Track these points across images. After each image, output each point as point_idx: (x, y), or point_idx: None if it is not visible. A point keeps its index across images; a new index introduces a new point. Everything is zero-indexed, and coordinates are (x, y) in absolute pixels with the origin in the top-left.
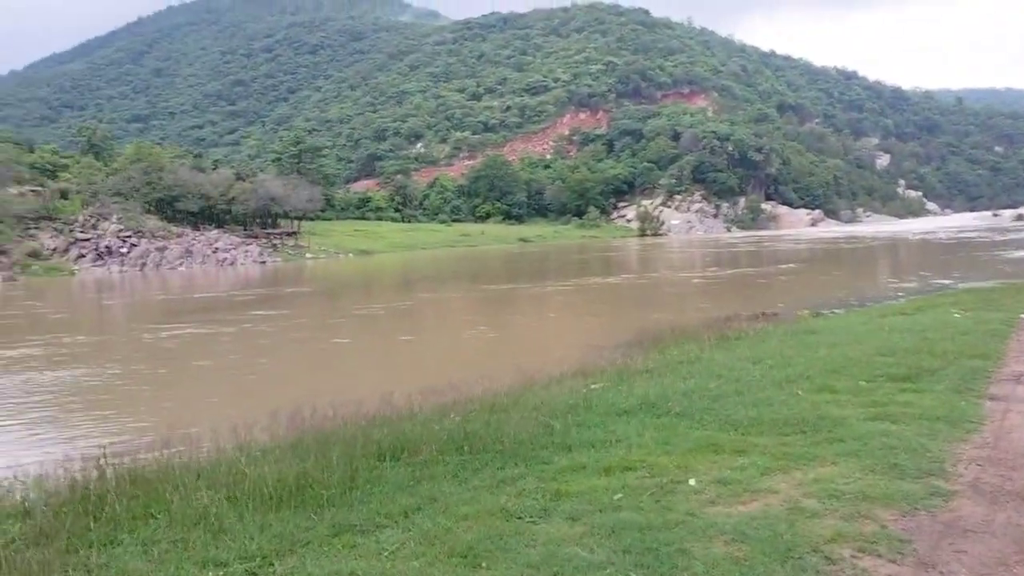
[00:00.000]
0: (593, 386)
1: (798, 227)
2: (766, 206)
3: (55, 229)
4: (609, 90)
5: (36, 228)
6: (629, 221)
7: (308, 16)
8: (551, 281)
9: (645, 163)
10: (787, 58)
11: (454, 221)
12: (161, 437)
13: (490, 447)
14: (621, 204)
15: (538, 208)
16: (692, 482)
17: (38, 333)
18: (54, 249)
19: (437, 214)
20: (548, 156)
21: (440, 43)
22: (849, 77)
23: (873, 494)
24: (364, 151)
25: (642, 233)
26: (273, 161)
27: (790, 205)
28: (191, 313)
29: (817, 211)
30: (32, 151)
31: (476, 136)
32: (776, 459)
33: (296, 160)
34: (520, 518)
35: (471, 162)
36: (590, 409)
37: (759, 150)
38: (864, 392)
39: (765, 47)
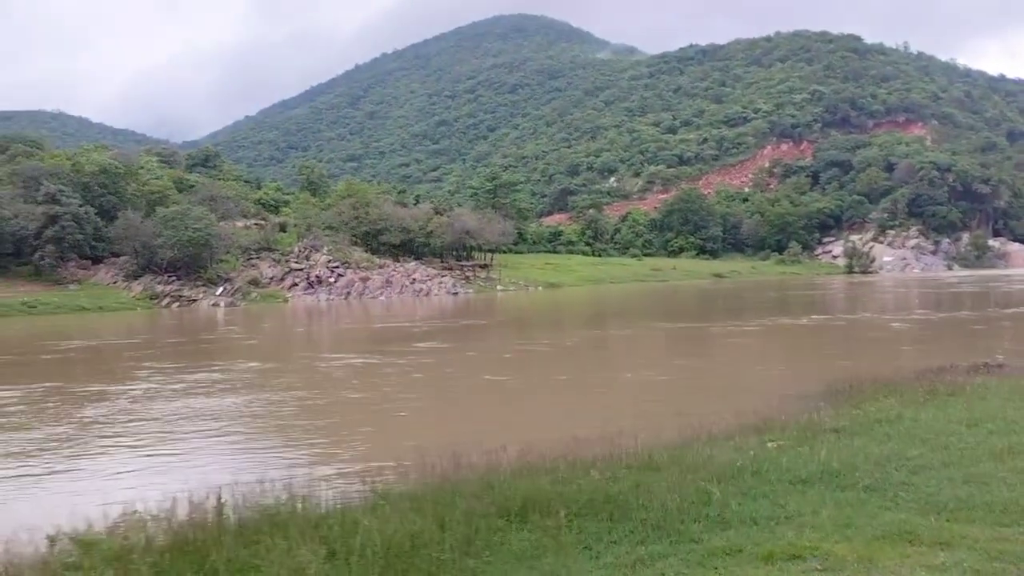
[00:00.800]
0: (769, 444)
1: None
2: (994, 243)
3: (273, 260)
4: (814, 120)
5: (257, 258)
6: (835, 257)
7: (509, 57)
8: (743, 320)
9: (854, 196)
10: (1019, 82)
11: (645, 255)
12: (289, 476)
13: (633, 514)
14: (826, 239)
15: (734, 243)
16: None
17: (222, 358)
18: (271, 278)
19: (628, 248)
20: (746, 189)
21: (636, 78)
22: None
23: None
24: (557, 186)
25: (849, 270)
26: (470, 196)
27: (1022, 242)
28: (371, 342)
29: None
30: (259, 188)
31: (671, 169)
32: (989, 558)
33: (491, 195)
34: None
35: (664, 196)
36: (760, 474)
37: (985, 181)
38: None
39: (993, 71)
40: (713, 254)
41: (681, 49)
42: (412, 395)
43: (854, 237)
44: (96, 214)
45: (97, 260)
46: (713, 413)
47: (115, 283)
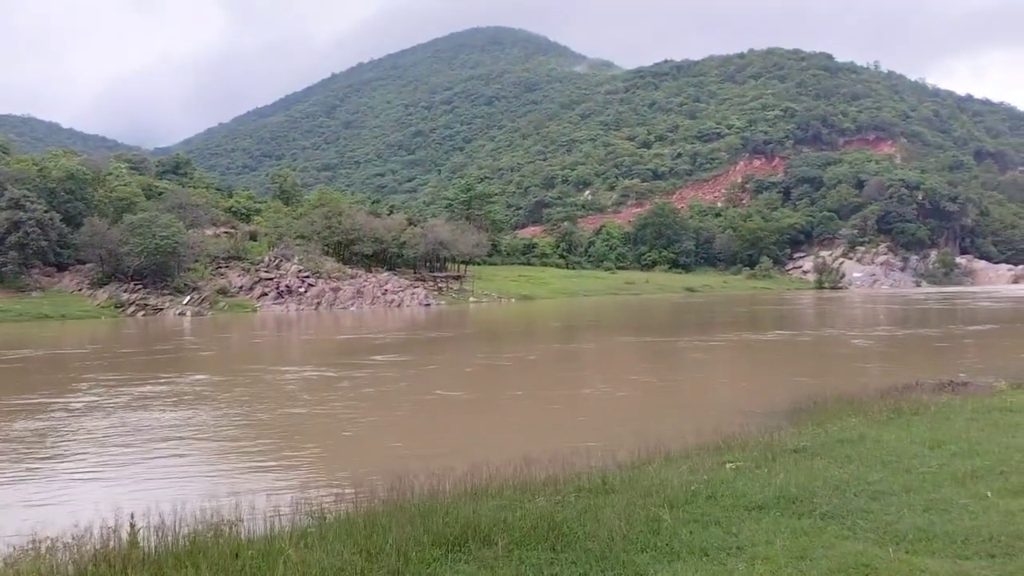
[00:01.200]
0: (728, 465)
1: (998, 284)
2: (961, 260)
3: (243, 268)
4: (787, 136)
5: (227, 267)
6: (805, 273)
7: (486, 69)
8: (710, 334)
9: (824, 212)
10: (986, 102)
11: (619, 268)
12: (215, 501)
13: (578, 543)
14: (797, 255)
15: (706, 257)
16: None
17: (172, 370)
18: (240, 287)
19: (602, 261)
20: (719, 204)
21: (612, 92)
22: None
23: None
24: (532, 198)
25: (820, 285)
26: (445, 207)
27: (989, 259)
28: (333, 354)
29: (1021, 267)
30: (231, 196)
31: (645, 183)
32: None
33: (466, 206)
34: None
35: (638, 209)
36: (714, 499)
37: (953, 199)
38: None
39: (961, 90)
40: (686, 268)
41: (656, 64)
42: (362, 411)
43: (824, 253)
44: (62, 220)
45: (62, 267)
46: (673, 431)
47: (80, 290)
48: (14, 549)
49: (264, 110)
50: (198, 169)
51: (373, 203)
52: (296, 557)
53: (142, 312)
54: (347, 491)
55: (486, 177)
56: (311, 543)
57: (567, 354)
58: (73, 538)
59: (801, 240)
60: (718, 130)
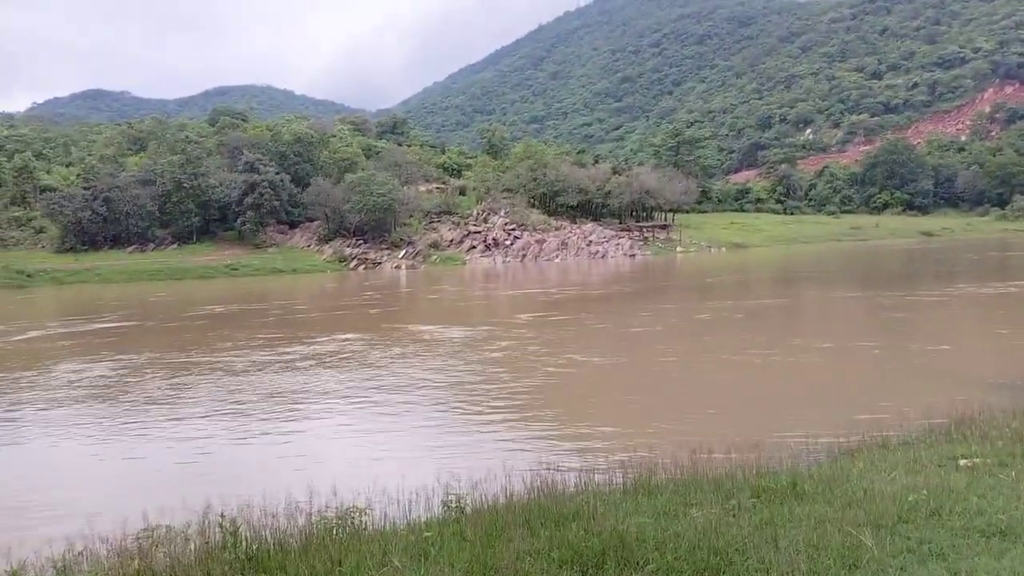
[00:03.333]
0: (961, 462)
1: None
2: None
3: (453, 223)
4: None
5: (438, 221)
6: None
7: (696, 7)
8: (952, 285)
9: None
10: None
11: (844, 213)
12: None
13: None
14: None
15: (947, 198)
16: None
17: (319, 330)
18: (451, 241)
19: (824, 205)
20: (962, 137)
21: (837, 20)
22: None
23: None
24: (746, 140)
25: None
26: (652, 155)
27: None
28: (522, 309)
29: None
30: (443, 152)
31: (874, 118)
32: None
33: (674, 153)
34: None
35: (867, 147)
36: (938, 517)
37: None
38: None
39: None
40: (922, 210)
41: None
42: (553, 374)
43: None
44: (291, 181)
45: (293, 224)
46: (892, 410)
47: (308, 246)
48: None
49: (476, 66)
50: (414, 128)
51: (578, 153)
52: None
53: (363, 266)
54: (484, 481)
55: (696, 121)
56: (424, 547)
57: (775, 310)
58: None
59: None
60: (962, 54)
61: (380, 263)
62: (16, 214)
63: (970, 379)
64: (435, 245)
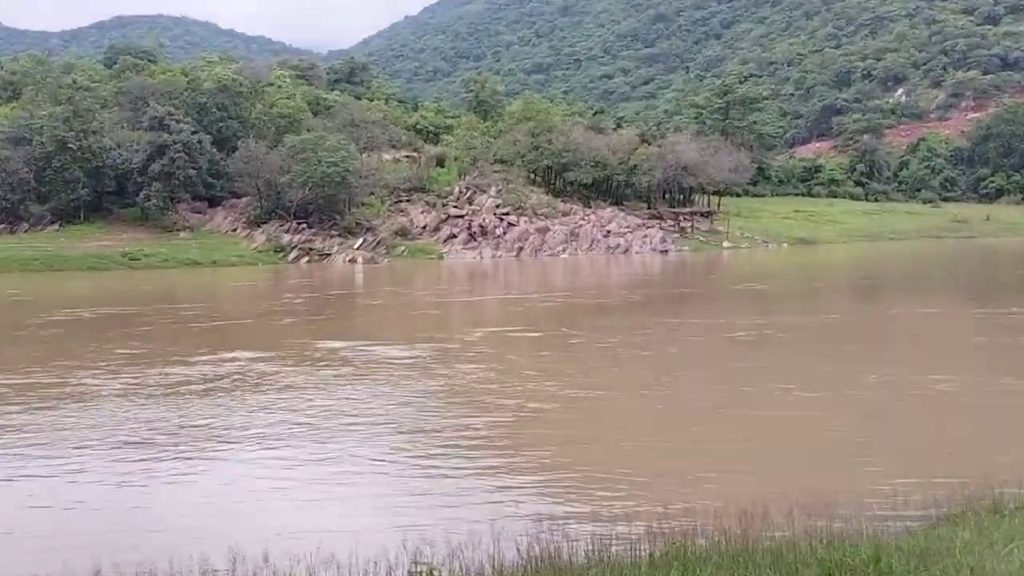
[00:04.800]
0: None
1: None
2: None
3: (427, 203)
4: None
5: (408, 201)
6: None
7: None
8: None
9: None
10: None
11: (945, 200)
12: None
13: None
14: None
15: None
16: None
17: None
18: (424, 227)
19: (919, 190)
20: None
21: None
22: None
23: None
24: (818, 102)
25: None
26: (693, 119)
27: None
28: (513, 322)
29: None
30: (416, 110)
31: (987, 76)
32: None
33: (722, 116)
34: None
35: (977, 115)
36: None
37: None
38: None
39: None
40: None
41: None
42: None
43: None
44: (212, 144)
45: (214, 202)
46: (1008, 463)
47: (234, 231)
48: None
49: None
50: (378, 77)
51: (595, 114)
52: None
53: (306, 258)
54: (464, 547)
55: (752, 75)
56: None
57: (857, 328)
58: None
59: None
60: None
61: (329, 255)
62: None
63: None
64: (403, 232)
